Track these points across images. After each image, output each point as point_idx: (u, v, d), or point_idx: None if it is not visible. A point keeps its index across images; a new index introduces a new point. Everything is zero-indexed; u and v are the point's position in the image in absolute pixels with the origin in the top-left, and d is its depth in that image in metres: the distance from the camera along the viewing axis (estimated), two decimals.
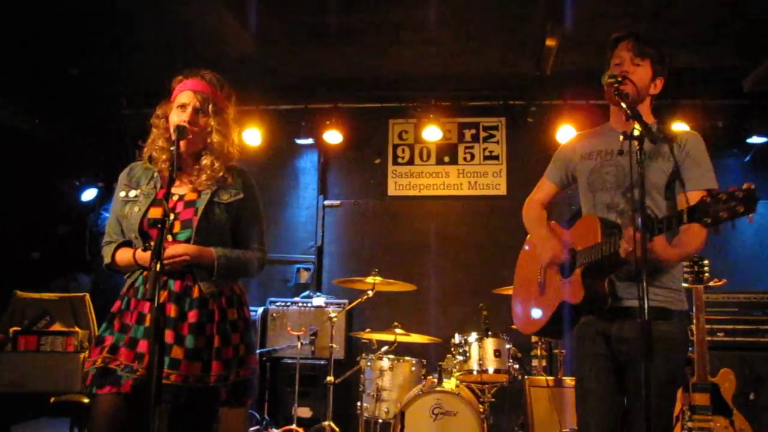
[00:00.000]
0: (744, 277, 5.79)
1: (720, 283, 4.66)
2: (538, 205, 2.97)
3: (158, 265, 2.21)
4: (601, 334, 2.60)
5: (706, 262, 4.50)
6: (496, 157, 6.86)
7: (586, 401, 2.62)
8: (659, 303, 2.50)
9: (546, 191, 2.97)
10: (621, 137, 2.26)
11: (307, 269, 6.87)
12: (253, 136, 6.52)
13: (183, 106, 2.68)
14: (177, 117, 2.67)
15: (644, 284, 2.11)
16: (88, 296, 5.08)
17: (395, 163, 6.99)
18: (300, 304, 6.32)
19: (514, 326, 3.07)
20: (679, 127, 5.80)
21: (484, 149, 6.89)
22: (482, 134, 6.92)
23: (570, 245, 2.67)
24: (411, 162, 6.97)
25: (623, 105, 2.37)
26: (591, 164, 2.72)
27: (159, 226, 2.30)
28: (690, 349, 4.46)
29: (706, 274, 4.47)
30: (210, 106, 2.71)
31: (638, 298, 2.10)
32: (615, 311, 2.56)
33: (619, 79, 2.49)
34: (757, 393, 5.12)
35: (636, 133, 2.21)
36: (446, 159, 6.93)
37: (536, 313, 2.80)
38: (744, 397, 4.99)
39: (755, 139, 6.20)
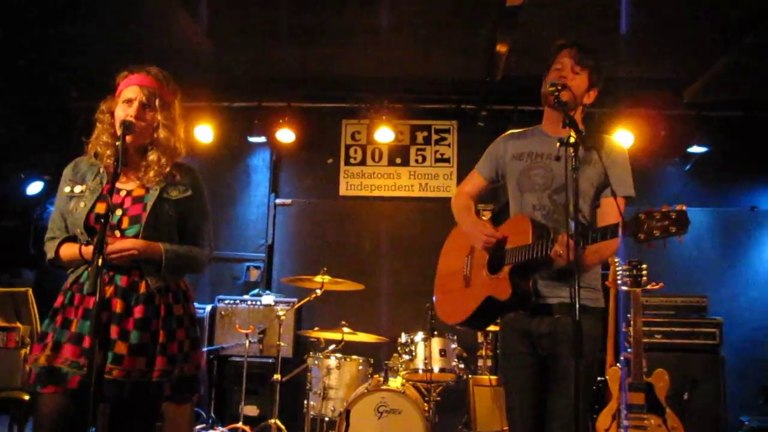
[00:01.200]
0: (682, 281, 5.99)
1: (657, 286, 4.82)
2: (467, 196, 3.06)
3: (100, 260, 2.21)
4: (522, 332, 2.73)
5: (644, 266, 4.64)
6: (447, 160, 6.96)
7: (511, 396, 2.76)
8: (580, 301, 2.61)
9: (475, 184, 3.06)
10: (558, 144, 2.36)
11: (257, 267, 6.86)
12: (205, 132, 6.48)
13: (129, 101, 2.68)
14: (123, 112, 2.66)
15: (577, 287, 2.23)
16: (30, 291, 4.97)
17: (347, 163, 7.04)
18: (249, 302, 6.32)
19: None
20: (620, 135, 6.02)
21: (436, 152, 6.99)
22: (434, 137, 7.02)
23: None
24: (363, 163, 7.03)
25: (562, 112, 2.47)
26: (521, 165, 2.82)
27: (102, 221, 2.31)
28: (627, 349, 4.61)
29: (644, 278, 4.61)
30: (156, 101, 2.71)
31: (561, 297, 2.20)
32: (535, 308, 2.68)
33: (559, 87, 2.59)
34: (691, 393, 5.32)
35: (572, 140, 2.31)
36: (398, 160, 7.01)
37: (461, 304, 2.88)
38: (678, 397, 5.18)
39: (695, 149, 6.43)
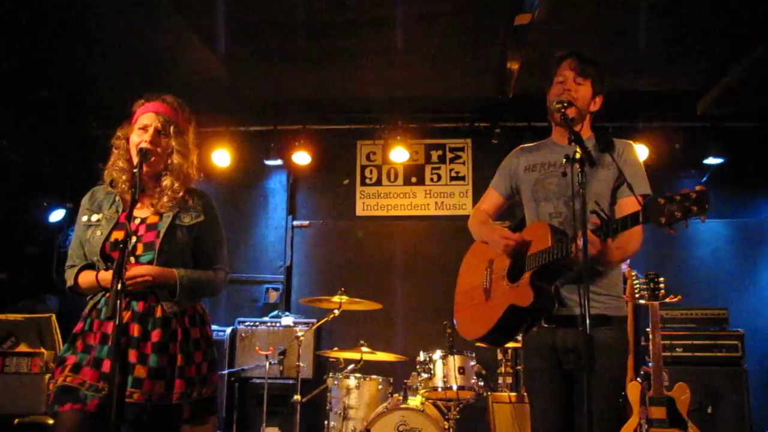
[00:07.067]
0: (701, 294, 5.95)
1: (675, 299, 4.80)
2: (484, 213, 3.06)
3: (119, 284, 2.27)
4: (547, 346, 2.70)
5: (661, 279, 4.64)
6: (462, 178, 7.00)
7: (537, 412, 2.74)
8: (599, 310, 2.61)
9: (492, 201, 3.06)
10: (563, 160, 2.39)
11: (276, 289, 6.90)
12: (222, 157, 6.57)
13: (144, 128, 2.74)
14: (138, 138, 2.72)
15: (587, 294, 2.23)
16: (54, 317, 5.06)
17: (363, 183, 7.09)
18: (269, 324, 6.35)
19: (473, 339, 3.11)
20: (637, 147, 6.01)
21: (451, 170, 7.02)
22: (449, 155, 7.06)
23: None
24: (379, 183, 7.08)
25: (568, 129, 2.51)
26: (535, 176, 2.85)
27: (120, 246, 2.37)
28: (648, 363, 4.59)
29: (662, 291, 4.60)
30: (171, 128, 2.77)
31: (580, 305, 2.19)
32: (559, 320, 2.66)
33: (565, 104, 2.63)
34: (715, 406, 5.26)
35: (578, 155, 2.34)
36: (413, 180, 7.05)
37: (482, 318, 2.82)
38: (702, 410, 5.13)
39: (711, 160, 6.40)
